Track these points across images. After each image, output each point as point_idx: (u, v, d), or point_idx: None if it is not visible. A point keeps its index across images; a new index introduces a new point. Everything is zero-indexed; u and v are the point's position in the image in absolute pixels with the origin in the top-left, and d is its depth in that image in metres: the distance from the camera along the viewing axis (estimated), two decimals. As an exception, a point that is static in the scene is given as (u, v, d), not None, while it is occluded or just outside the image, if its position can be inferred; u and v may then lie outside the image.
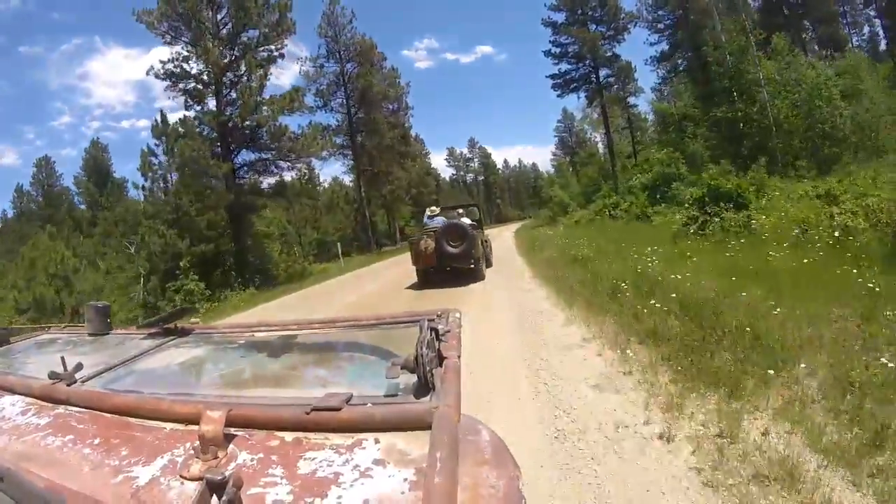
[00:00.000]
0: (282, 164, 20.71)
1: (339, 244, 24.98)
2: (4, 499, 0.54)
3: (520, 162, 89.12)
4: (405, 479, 0.49)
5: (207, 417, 0.57)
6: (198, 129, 18.98)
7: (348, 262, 22.15)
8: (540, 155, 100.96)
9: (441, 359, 0.73)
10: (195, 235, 17.45)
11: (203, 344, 1.16)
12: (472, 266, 8.75)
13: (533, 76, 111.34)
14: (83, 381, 0.86)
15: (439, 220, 9.47)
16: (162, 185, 18.56)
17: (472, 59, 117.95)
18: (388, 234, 39.66)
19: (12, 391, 0.88)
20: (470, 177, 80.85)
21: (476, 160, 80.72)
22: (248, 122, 19.60)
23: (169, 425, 0.65)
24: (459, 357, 0.76)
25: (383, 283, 11.40)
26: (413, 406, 0.60)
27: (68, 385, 0.83)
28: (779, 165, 17.31)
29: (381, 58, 34.45)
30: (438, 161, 78.28)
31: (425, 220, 9.82)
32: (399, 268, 15.27)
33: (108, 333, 1.30)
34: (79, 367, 0.88)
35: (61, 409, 0.78)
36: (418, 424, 0.56)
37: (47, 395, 0.82)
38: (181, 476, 0.53)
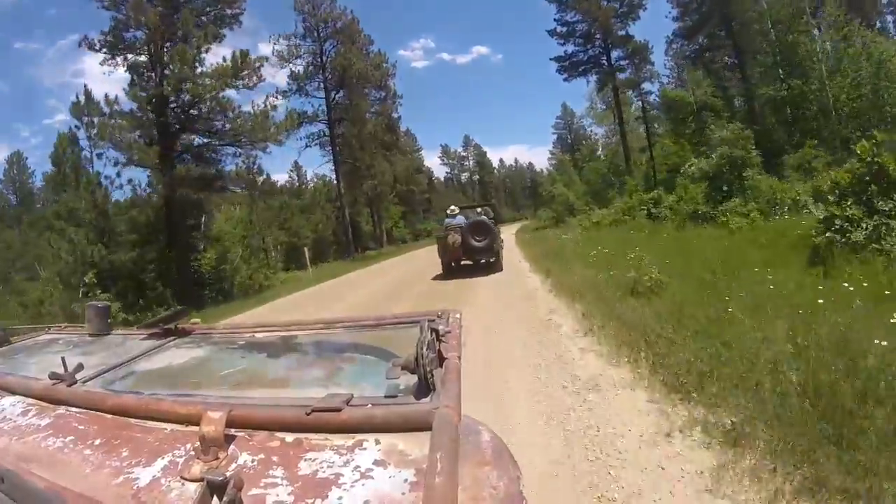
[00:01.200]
0: (234, 150, 16.75)
1: (306, 249, 20.63)
2: (5, 500, 0.54)
3: (516, 161, 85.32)
4: (406, 480, 0.49)
5: (208, 418, 0.57)
6: (127, 109, 14.45)
7: (320, 271, 19.18)
8: (536, 156, 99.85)
9: (441, 359, 0.73)
10: (114, 240, 14.11)
11: (203, 344, 1.16)
12: (493, 260, 10.24)
13: (529, 77, 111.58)
14: (84, 382, 0.86)
15: (460, 219, 10.61)
16: (77, 176, 14.94)
17: (468, 59, 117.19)
18: (375, 235, 35.60)
19: (13, 392, 0.88)
20: (465, 176, 76.95)
21: (471, 159, 76.98)
22: (184, 97, 15.15)
23: (169, 426, 0.65)
24: (460, 357, 0.77)
25: (348, 307, 9.11)
26: (413, 407, 0.60)
27: (69, 386, 0.83)
28: (838, 155, 13.70)
29: (366, 41, 30.14)
30: (433, 162, 75.51)
31: (446, 219, 10.94)
32: (377, 280, 12.35)
33: (108, 334, 1.31)
34: (79, 367, 0.88)
35: (62, 409, 0.78)
36: (419, 425, 0.56)
37: (48, 396, 0.82)
38: (182, 477, 0.53)
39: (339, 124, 29.37)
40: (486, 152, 77.78)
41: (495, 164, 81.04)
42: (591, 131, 53.73)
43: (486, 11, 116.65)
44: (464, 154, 76.65)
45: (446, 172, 74.38)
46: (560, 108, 64.39)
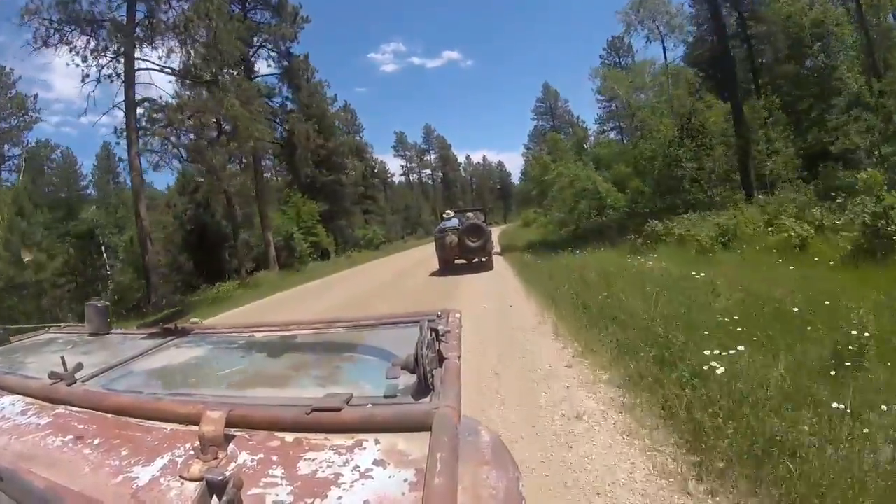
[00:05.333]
0: None
1: None
2: (4, 499, 0.54)
3: (484, 159, 73.82)
4: (405, 480, 0.49)
5: (208, 418, 0.57)
6: None
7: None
8: (506, 160, 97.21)
9: (441, 359, 0.73)
10: None
11: (203, 344, 1.16)
12: (485, 259, 10.96)
13: (500, 82, 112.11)
14: (83, 381, 0.86)
15: (454, 222, 11.60)
16: None
17: (438, 64, 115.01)
18: (257, 256, 20.89)
19: (12, 391, 0.88)
20: (426, 173, 64.91)
21: (433, 153, 64.99)
22: None
23: (169, 426, 0.65)
24: (459, 357, 0.77)
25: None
26: (413, 407, 0.60)
27: (68, 385, 0.83)
28: None
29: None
30: (395, 166, 62.55)
31: (442, 222, 11.98)
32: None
33: (108, 333, 1.31)
34: (79, 367, 0.88)
35: (61, 409, 0.78)
36: (418, 425, 0.56)
37: (47, 395, 0.82)
38: (181, 476, 0.53)
39: (160, 39, 15.37)
40: (450, 145, 66.77)
41: (461, 161, 70.31)
42: (580, 117, 44.03)
43: (457, 16, 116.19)
44: (424, 147, 64.63)
45: (402, 166, 62.62)
46: (541, 90, 53.87)
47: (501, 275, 10.09)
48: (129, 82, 15.27)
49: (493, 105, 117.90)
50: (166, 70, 16.34)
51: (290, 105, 25.22)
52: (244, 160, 19.71)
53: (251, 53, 21.62)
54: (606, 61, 30.06)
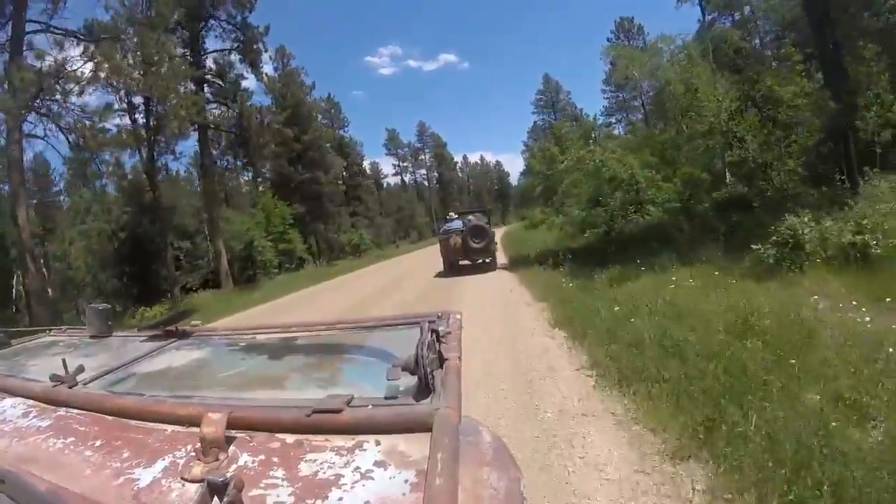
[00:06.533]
0: None
1: None
2: (6, 501, 0.54)
3: (482, 159, 71.47)
4: (406, 481, 0.49)
5: (208, 419, 0.58)
6: None
7: None
8: (504, 160, 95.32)
9: (442, 360, 0.73)
10: None
11: (204, 346, 1.16)
12: (489, 260, 11.13)
13: (496, 84, 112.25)
14: (84, 384, 0.86)
15: (458, 223, 11.83)
16: None
17: (434, 66, 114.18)
18: (213, 269, 17.86)
19: (14, 393, 0.89)
20: (421, 173, 61.60)
21: (427, 152, 61.59)
22: None
23: (170, 427, 0.65)
24: (460, 358, 0.77)
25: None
26: (414, 408, 0.60)
27: (70, 387, 0.83)
28: None
29: None
30: (388, 169, 61.65)
31: (446, 224, 12.29)
32: None
33: (109, 336, 1.31)
34: (80, 369, 0.89)
35: (63, 411, 0.78)
36: (419, 426, 0.56)
37: (49, 398, 0.82)
38: (182, 478, 0.54)
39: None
40: (445, 143, 63.26)
41: (458, 161, 67.49)
42: (583, 111, 41.56)
43: (454, 18, 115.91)
44: (418, 146, 61.22)
45: (395, 165, 59.90)
46: (541, 82, 51.38)
47: (525, 333, 5.09)
48: (16, 47, 12.10)
49: (491, 107, 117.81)
50: (56, 30, 12.61)
51: (249, 89, 21.26)
52: (168, 145, 15.18)
53: (200, 27, 18.42)
54: (615, 44, 28.53)
